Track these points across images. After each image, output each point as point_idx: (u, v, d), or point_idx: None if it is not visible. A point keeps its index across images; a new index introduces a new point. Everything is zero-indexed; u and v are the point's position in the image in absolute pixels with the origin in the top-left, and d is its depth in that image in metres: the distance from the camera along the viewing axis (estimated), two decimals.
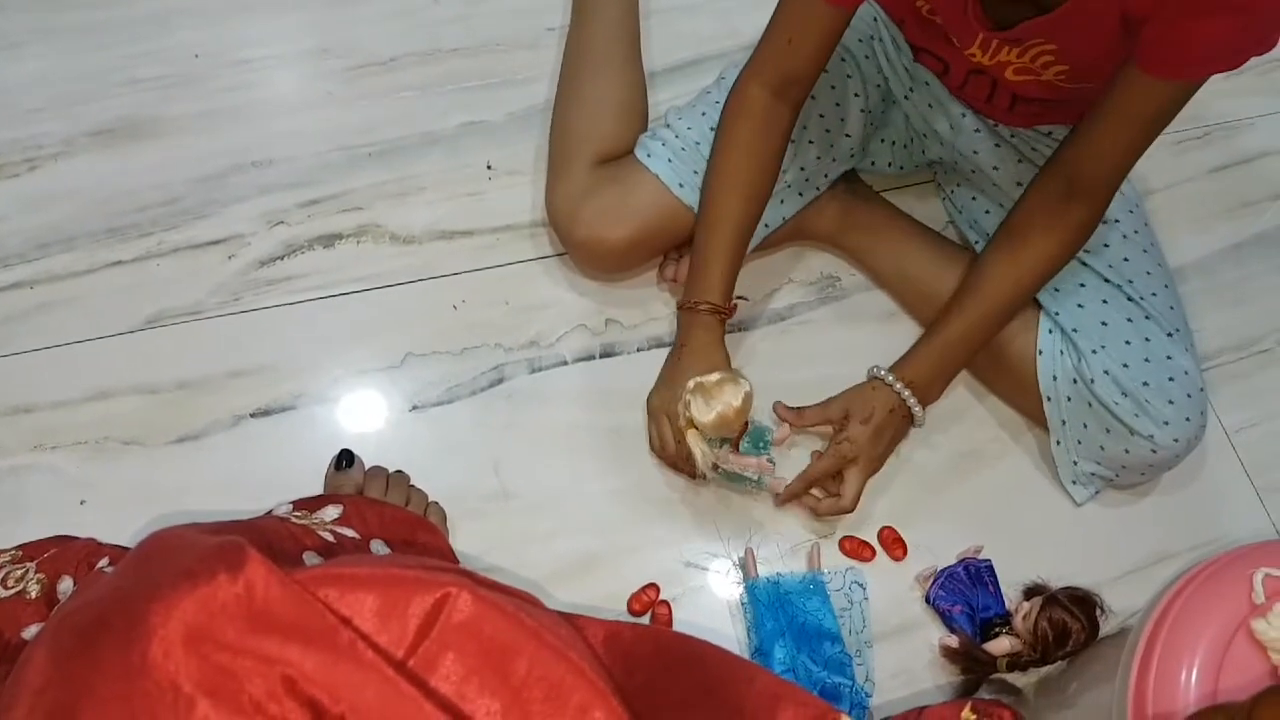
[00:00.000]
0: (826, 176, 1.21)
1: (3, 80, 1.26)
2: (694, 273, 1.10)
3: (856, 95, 1.18)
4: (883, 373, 1.11)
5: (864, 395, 1.11)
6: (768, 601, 1.08)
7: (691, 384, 1.05)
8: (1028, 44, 0.96)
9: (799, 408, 1.14)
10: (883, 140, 1.24)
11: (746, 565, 1.11)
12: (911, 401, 1.09)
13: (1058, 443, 1.16)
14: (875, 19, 1.18)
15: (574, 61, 1.29)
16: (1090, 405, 1.10)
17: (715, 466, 1.07)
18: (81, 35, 1.29)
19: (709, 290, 1.08)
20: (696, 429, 1.05)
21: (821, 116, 1.17)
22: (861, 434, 1.08)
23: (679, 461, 1.10)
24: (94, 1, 1.31)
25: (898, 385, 1.09)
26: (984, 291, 1.08)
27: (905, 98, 1.21)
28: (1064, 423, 1.14)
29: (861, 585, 1.11)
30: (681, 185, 1.13)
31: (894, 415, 1.09)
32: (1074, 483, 1.18)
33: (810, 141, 1.17)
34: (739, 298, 1.15)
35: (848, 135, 1.19)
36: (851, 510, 1.09)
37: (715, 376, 1.04)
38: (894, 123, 1.24)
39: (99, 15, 1.30)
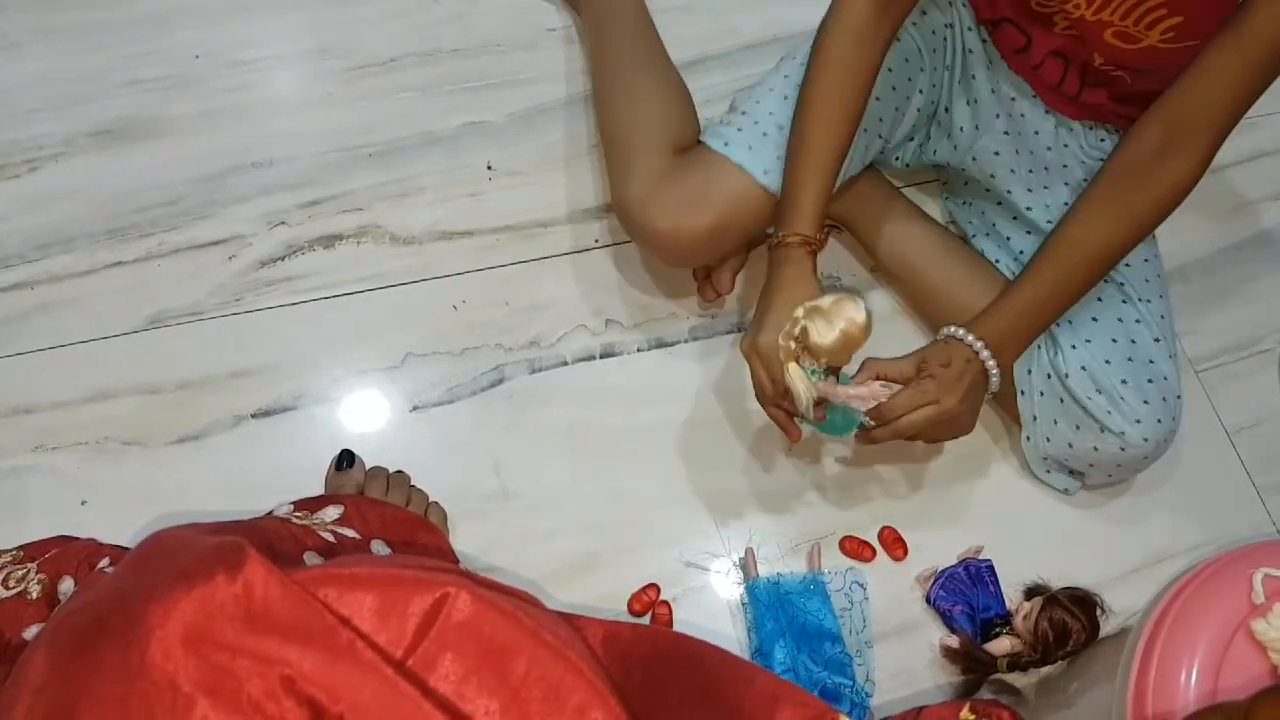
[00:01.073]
0: (861, 165, 1.18)
1: (3, 81, 1.26)
2: (784, 203, 1.03)
3: (920, 91, 1.16)
4: (956, 330, 1.03)
5: (938, 349, 1.03)
6: (768, 602, 1.08)
7: (802, 310, 0.94)
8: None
9: (862, 369, 1.03)
10: (908, 136, 1.23)
11: (747, 565, 1.11)
12: (985, 355, 1.01)
13: (1027, 438, 1.16)
14: (950, 3, 1.15)
15: (612, 63, 1.27)
16: (1062, 400, 1.10)
17: (819, 403, 0.97)
18: (81, 36, 1.29)
19: (799, 221, 1.01)
20: (798, 363, 0.95)
21: (881, 120, 1.14)
22: (945, 375, 1.00)
23: (779, 406, 1.02)
24: (94, 2, 1.31)
25: (970, 338, 1.01)
26: (1067, 251, 1.01)
27: (952, 88, 1.19)
28: (1035, 418, 1.14)
29: (862, 585, 1.11)
30: (766, 172, 1.08)
31: (971, 366, 1.01)
32: (1047, 471, 1.18)
33: (874, 132, 1.14)
34: (831, 226, 1.09)
35: (895, 135, 1.18)
36: (902, 434, 1.00)
37: (830, 298, 0.94)
38: (924, 124, 1.23)
39: (99, 16, 1.30)
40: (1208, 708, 0.80)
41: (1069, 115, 1.15)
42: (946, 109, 1.21)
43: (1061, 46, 1.06)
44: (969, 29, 1.16)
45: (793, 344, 0.94)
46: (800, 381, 0.95)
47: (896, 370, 1.02)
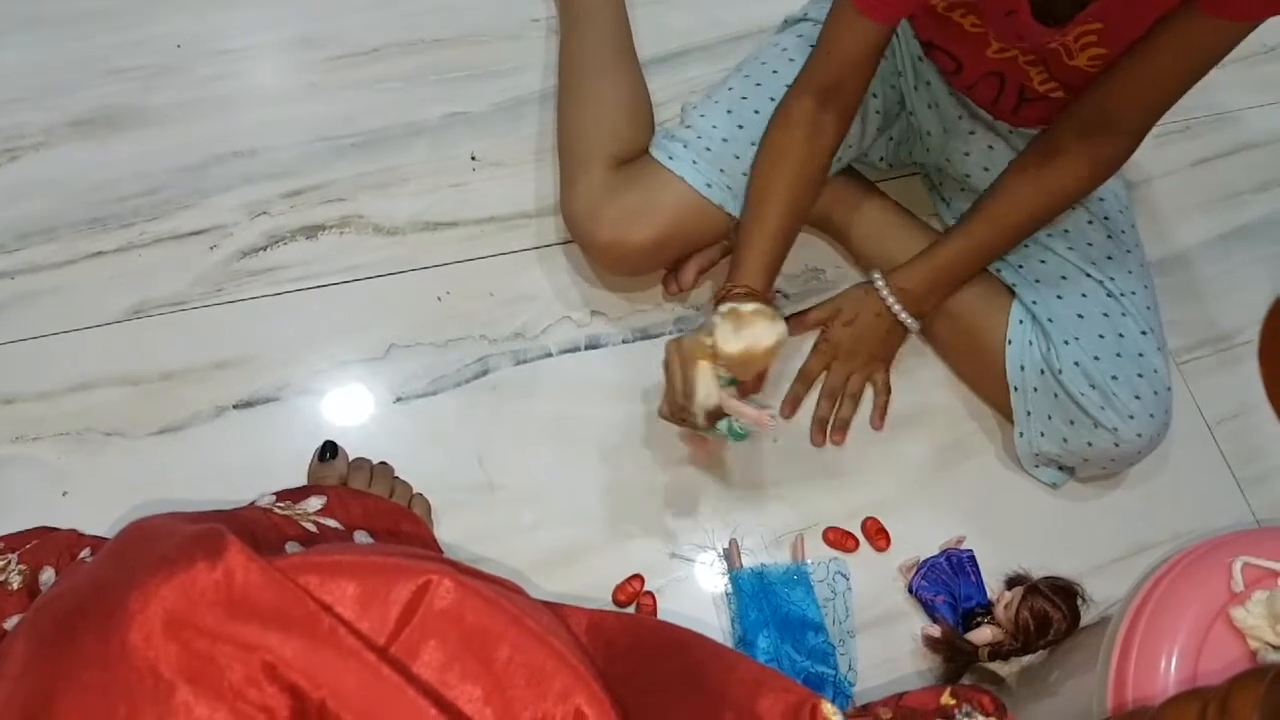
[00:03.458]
0: (834, 170, 1.21)
1: None
2: (734, 261, 1.07)
3: (874, 95, 1.18)
4: (877, 280, 1.15)
5: (854, 297, 1.18)
6: (752, 592, 1.08)
7: (726, 308, 0.97)
8: (1075, 28, 0.96)
9: (801, 312, 1.21)
10: (879, 132, 1.24)
11: (731, 556, 1.11)
12: (897, 309, 1.13)
13: (1020, 434, 1.16)
14: None
15: (575, 67, 1.28)
16: (1056, 396, 1.11)
17: (712, 414, 0.97)
18: (62, 25, 1.28)
19: (746, 275, 1.04)
20: (709, 363, 0.95)
21: None
22: (843, 335, 1.16)
23: (680, 406, 1.00)
24: None
25: (885, 291, 1.14)
26: (997, 212, 1.09)
27: (911, 93, 1.21)
28: (1029, 414, 1.15)
29: (845, 576, 1.12)
30: (709, 185, 1.12)
31: (880, 320, 1.13)
32: (1036, 466, 1.19)
33: None
34: (778, 292, 1.14)
35: (863, 136, 1.20)
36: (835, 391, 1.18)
37: (752, 306, 0.97)
38: (899, 121, 1.24)
39: (80, 5, 1.29)
40: (1185, 692, 0.81)
41: (1015, 125, 1.16)
42: (911, 113, 1.22)
43: (996, 68, 1.07)
44: (913, 38, 1.17)
45: (708, 341, 0.95)
46: (703, 381, 0.95)
47: (817, 318, 1.20)
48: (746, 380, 1.03)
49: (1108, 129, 1.01)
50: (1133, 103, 0.98)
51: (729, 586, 1.10)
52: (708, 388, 0.95)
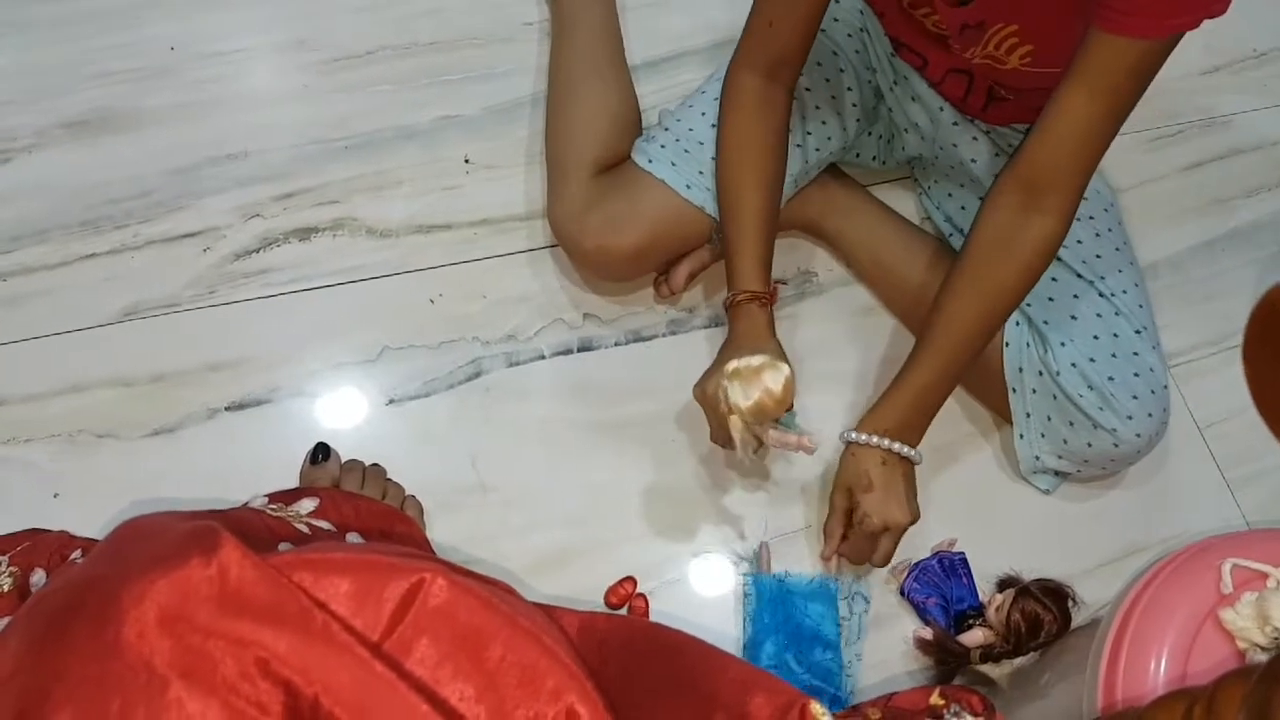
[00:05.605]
0: (819, 169, 1.22)
1: None
2: (728, 268, 1.08)
3: (850, 89, 1.19)
4: (852, 434, 1.05)
5: (850, 466, 1.06)
6: (770, 597, 1.08)
7: (730, 368, 0.98)
8: (992, 28, 0.97)
9: (825, 542, 1.09)
10: (869, 134, 1.25)
11: (761, 559, 1.11)
12: (895, 446, 1.03)
13: (1020, 436, 1.17)
14: (861, 11, 1.19)
15: (562, 73, 1.28)
16: (1055, 398, 1.11)
17: (759, 448, 1.01)
18: (55, 27, 1.28)
19: (744, 279, 1.06)
20: (737, 416, 0.98)
21: (818, 108, 1.17)
22: (873, 502, 1.03)
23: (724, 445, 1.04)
24: None
25: (873, 440, 1.03)
26: (945, 331, 1.02)
27: (890, 90, 1.22)
28: (1028, 415, 1.15)
29: (865, 598, 1.11)
30: (689, 187, 1.12)
31: (888, 467, 1.03)
32: (1035, 472, 1.19)
33: (809, 132, 1.17)
34: (778, 282, 1.14)
35: (844, 130, 1.20)
36: (883, 563, 1.07)
37: (756, 361, 0.97)
38: (881, 116, 1.25)
39: (73, 7, 1.29)
40: (1172, 692, 0.81)
41: (989, 122, 1.17)
42: (890, 108, 1.23)
43: (962, 66, 1.08)
44: (883, 34, 1.18)
45: (725, 402, 0.99)
46: (737, 434, 0.99)
47: (837, 520, 1.07)
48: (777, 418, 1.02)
49: (1034, 207, 0.96)
50: (1053, 162, 0.94)
51: (748, 586, 1.10)
52: (744, 438, 0.99)
